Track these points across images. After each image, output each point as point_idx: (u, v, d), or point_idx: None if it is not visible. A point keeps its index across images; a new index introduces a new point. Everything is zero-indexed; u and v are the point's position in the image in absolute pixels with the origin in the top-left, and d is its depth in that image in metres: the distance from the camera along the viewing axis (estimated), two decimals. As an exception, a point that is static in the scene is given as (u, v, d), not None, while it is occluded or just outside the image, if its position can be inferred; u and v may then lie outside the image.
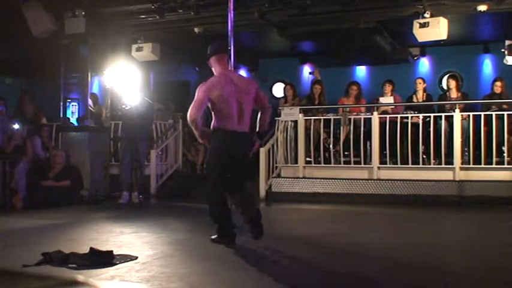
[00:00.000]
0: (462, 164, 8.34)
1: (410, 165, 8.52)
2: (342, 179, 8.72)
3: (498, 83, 9.09)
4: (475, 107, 9.23)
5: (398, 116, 8.94)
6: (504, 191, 7.80)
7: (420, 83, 9.59)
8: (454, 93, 9.35)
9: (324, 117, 9.27)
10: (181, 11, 9.01)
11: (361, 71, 12.56)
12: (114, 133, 9.97)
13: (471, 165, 8.32)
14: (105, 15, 9.50)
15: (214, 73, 5.07)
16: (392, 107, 9.44)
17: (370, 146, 8.86)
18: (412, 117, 8.82)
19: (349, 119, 9.09)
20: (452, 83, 9.42)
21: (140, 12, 9.39)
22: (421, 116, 8.85)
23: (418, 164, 8.61)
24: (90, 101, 10.52)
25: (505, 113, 8.33)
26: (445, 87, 10.73)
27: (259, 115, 5.13)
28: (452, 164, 8.34)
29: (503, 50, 8.90)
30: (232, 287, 3.57)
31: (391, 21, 9.35)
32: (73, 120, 11.41)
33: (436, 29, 8.11)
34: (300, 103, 9.88)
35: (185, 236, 5.57)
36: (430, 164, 8.57)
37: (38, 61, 10.50)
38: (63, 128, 9.92)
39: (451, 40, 8.86)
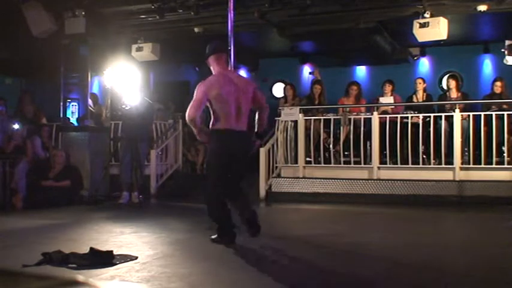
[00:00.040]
0: (462, 164, 8.34)
1: (410, 165, 8.52)
2: (342, 179, 8.72)
3: (498, 83, 9.09)
4: (475, 107, 9.23)
5: (398, 116, 8.94)
6: (504, 191, 7.80)
7: (420, 83, 9.59)
8: (454, 93, 9.35)
9: (324, 117, 9.27)
10: (181, 11, 9.02)
11: (361, 71, 12.57)
12: (114, 133, 9.97)
13: (471, 165, 8.32)
14: (105, 15, 9.50)
15: (213, 72, 5.08)
16: (392, 107, 9.44)
17: (370, 146, 8.86)
18: (412, 117, 8.83)
19: (349, 119, 9.09)
20: (452, 83, 9.42)
21: (140, 12, 9.40)
22: (421, 116, 8.85)
23: (418, 164, 8.61)
24: (90, 101, 10.52)
25: (505, 113, 8.34)
26: (445, 87, 10.73)
27: (257, 115, 5.14)
28: (452, 164, 8.34)
29: (503, 50, 8.90)
30: (232, 287, 3.57)
31: (391, 21, 9.36)
32: (73, 120, 11.41)
33: (436, 29, 8.11)
34: (300, 103, 9.88)
35: (185, 236, 5.57)
36: (430, 164, 8.57)
37: (38, 61, 10.49)
38: (63, 128, 9.92)
39: (451, 40, 8.86)
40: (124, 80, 8.75)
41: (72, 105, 11.54)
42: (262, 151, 8.94)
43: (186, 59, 12.38)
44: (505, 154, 8.23)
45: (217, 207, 4.92)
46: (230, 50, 6.56)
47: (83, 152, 9.34)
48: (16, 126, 8.94)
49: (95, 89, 12.20)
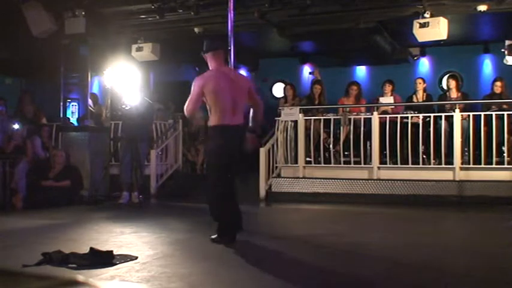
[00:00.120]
0: (462, 164, 8.33)
1: (410, 165, 8.52)
2: (342, 179, 8.72)
3: (498, 83, 9.09)
4: (475, 107, 9.23)
5: (398, 116, 8.94)
6: (504, 191, 7.80)
7: (420, 83, 9.59)
8: (454, 93, 9.35)
9: (324, 117, 9.27)
10: (181, 11, 9.02)
11: (361, 71, 12.56)
12: (114, 133, 9.97)
13: (471, 165, 8.32)
14: (105, 15, 9.50)
15: (210, 68, 5.13)
16: (392, 107, 9.44)
17: (370, 146, 8.86)
18: (412, 117, 8.82)
19: (349, 119, 9.09)
20: (452, 83, 9.42)
21: (140, 12, 9.39)
22: (421, 116, 8.85)
23: (418, 164, 8.61)
24: (90, 101, 10.52)
25: (505, 113, 8.33)
26: (445, 87, 10.73)
27: (251, 113, 5.19)
28: (452, 164, 8.34)
29: (503, 50, 8.90)
30: (232, 287, 3.57)
31: (391, 21, 9.35)
32: (73, 120, 11.42)
33: (436, 29, 8.11)
34: (300, 103, 9.88)
35: (185, 236, 5.57)
36: (430, 164, 8.57)
37: (38, 61, 10.49)
38: (63, 128, 9.92)
39: (451, 40, 8.86)
40: (124, 80, 8.76)
41: (72, 105, 11.54)
42: (262, 151, 8.95)
43: (186, 59, 12.37)
44: (505, 154, 8.23)
45: (218, 207, 4.95)
46: (230, 50, 6.57)
47: (83, 152, 9.34)
48: (16, 126, 8.94)
49: (95, 89, 12.20)
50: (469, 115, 8.54)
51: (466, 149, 8.55)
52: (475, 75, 11.47)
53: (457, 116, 8.39)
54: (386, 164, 8.74)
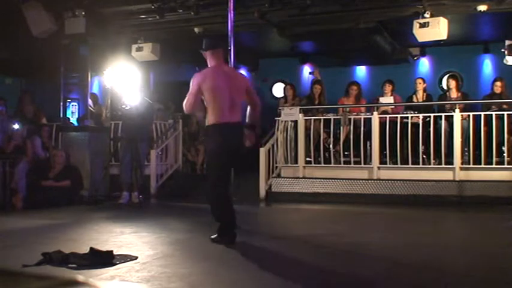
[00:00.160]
0: (462, 164, 8.34)
1: (410, 165, 8.52)
2: (342, 179, 8.72)
3: (498, 83, 9.09)
4: (475, 107, 9.23)
5: (398, 116, 8.94)
6: (504, 191, 7.80)
7: (420, 83, 9.59)
8: (454, 93, 9.35)
9: (324, 117, 9.27)
10: (181, 11, 9.02)
11: (361, 71, 12.56)
12: (114, 133, 9.97)
13: (471, 165, 8.32)
14: (105, 15, 9.50)
15: (209, 65, 5.14)
16: (392, 107, 9.44)
17: (370, 146, 8.86)
18: (412, 117, 8.82)
19: (349, 119, 9.09)
20: (452, 83, 9.42)
21: (140, 12, 9.39)
22: (421, 116, 8.85)
23: (418, 164, 8.61)
24: (90, 101, 10.52)
25: (505, 113, 8.34)
26: (445, 87, 10.73)
27: (248, 111, 5.21)
28: (452, 164, 8.34)
29: (503, 50, 8.90)
30: (232, 287, 3.57)
31: (391, 21, 9.35)
32: (73, 120, 11.42)
33: (436, 29, 8.11)
34: (300, 103, 9.88)
35: (185, 236, 5.57)
36: (430, 164, 8.57)
37: (38, 61, 10.49)
38: (63, 128, 9.92)
39: (451, 40, 8.86)
40: (124, 80, 8.76)
41: (72, 105, 11.54)
42: (262, 151, 8.95)
43: (186, 59, 12.37)
44: (505, 154, 8.23)
45: (218, 207, 4.95)
46: (230, 50, 6.57)
47: (83, 152, 9.34)
48: (16, 126, 8.94)
49: (95, 89, 12.20)
50: (469, 115, 8.54)
51: (466, 149, 8.55)
52: (475, 75, 11.47)
53: (457, 116, 8.39)
54: (386, 164, 8.74)
